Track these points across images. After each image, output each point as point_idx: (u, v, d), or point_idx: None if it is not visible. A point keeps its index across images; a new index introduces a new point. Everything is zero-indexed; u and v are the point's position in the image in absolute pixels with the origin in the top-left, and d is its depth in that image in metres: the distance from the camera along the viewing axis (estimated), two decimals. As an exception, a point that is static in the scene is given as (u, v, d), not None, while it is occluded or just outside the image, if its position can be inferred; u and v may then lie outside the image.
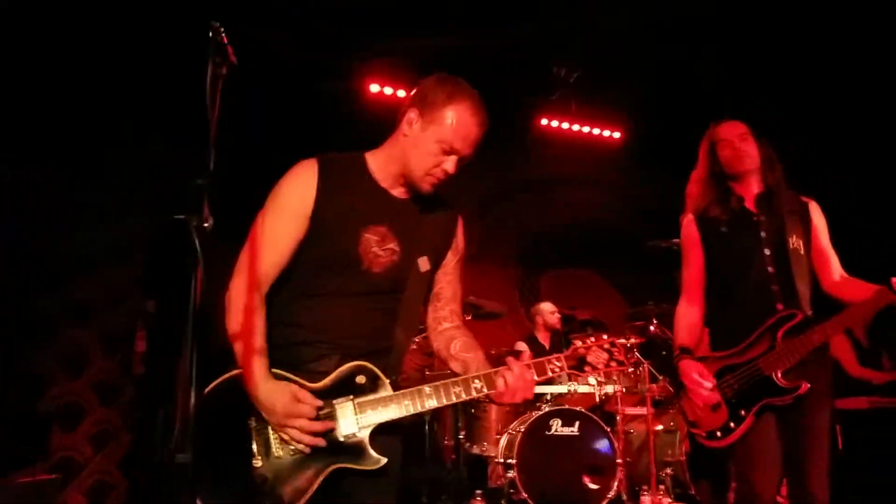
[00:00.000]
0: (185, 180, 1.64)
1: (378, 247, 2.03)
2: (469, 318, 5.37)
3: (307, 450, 1.87)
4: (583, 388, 5.05)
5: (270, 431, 1.90)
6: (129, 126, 5.14)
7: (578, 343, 2.09)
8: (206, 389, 1.89)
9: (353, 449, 1.91)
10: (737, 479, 2.66)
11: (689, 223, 2.85)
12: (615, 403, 5.06)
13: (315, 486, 1.86)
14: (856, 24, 5.22)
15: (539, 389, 5.25)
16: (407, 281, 2.07)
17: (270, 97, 5.50)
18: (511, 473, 4.59)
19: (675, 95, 6.28)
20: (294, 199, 1.99)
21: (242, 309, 1.89)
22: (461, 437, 5.04)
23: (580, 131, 6.89)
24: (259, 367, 1.87)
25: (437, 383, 1.97)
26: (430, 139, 1.98)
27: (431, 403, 1.95)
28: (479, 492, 4.72)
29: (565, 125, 6.79)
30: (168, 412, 4.46)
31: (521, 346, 5.88)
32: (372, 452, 1.92)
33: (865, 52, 5.42)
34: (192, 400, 1.53)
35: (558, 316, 6.13)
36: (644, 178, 7.27)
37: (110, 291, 5.14)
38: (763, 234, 2.72)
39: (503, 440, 4.97)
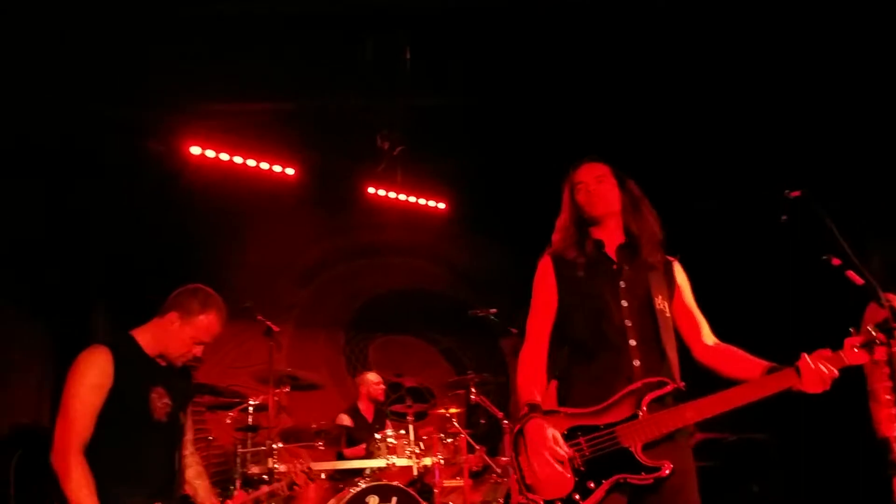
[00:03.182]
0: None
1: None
2: (287, 390, 5.20)
3: None
4: (401, 462, 5.00)
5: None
6: None
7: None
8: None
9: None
10: None
11: (544, 263, 2.62)
12: (433, 476, 5.05)
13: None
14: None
15: (357, 464, 5.15)
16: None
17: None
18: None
19: (495, 170, 6.62)
20: None
21: None
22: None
23: (407, 201, 7.03)
24: None
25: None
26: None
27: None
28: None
29: (392, 194, 6.90)
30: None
31: (344, 419, 5.75)
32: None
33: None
34: None
35: (383, 387, 6.06)
36: (468, 248, 7.56)
37: None
38: (622, 284, 2.50)
39: (319, 519, 4.79)
